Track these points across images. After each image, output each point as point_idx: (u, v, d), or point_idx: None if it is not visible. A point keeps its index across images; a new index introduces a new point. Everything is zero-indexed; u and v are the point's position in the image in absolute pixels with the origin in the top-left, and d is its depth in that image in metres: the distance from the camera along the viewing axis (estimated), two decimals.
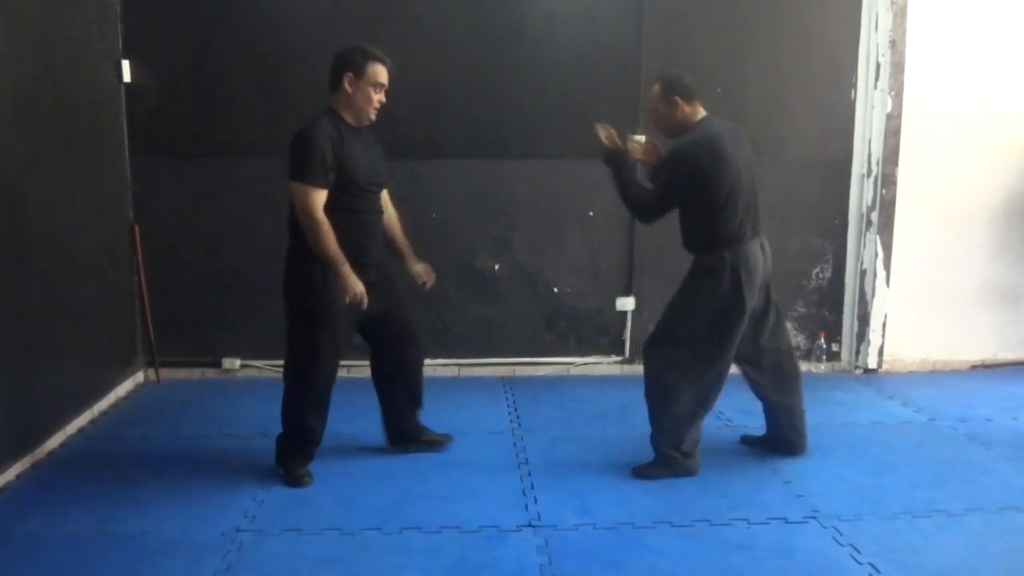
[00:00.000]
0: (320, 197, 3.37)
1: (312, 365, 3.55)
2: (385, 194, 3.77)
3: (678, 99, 3.55)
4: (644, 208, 3.64)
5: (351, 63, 3.46)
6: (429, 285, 3.90)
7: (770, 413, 3.95)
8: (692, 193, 3.50)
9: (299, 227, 3.44)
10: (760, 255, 3.59)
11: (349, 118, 3.51)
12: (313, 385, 3.59)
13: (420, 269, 3.88)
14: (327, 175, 3.38)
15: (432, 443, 3.98)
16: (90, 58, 4.52)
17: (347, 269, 3.39)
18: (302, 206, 3.37)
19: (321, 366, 3.56)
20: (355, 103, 3.48)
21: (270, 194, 4.99)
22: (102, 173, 4.66)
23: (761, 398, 3.93)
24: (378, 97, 3.51)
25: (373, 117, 3.55)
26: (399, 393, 3.91)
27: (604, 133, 3.66)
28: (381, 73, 3.49)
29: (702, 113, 3.60)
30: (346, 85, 3.46)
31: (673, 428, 3.64)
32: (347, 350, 5.17)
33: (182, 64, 4.90)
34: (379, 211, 3.66)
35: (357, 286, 3.41)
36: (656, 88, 3.62)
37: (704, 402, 3.65)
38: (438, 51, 4.95)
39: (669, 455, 3.66)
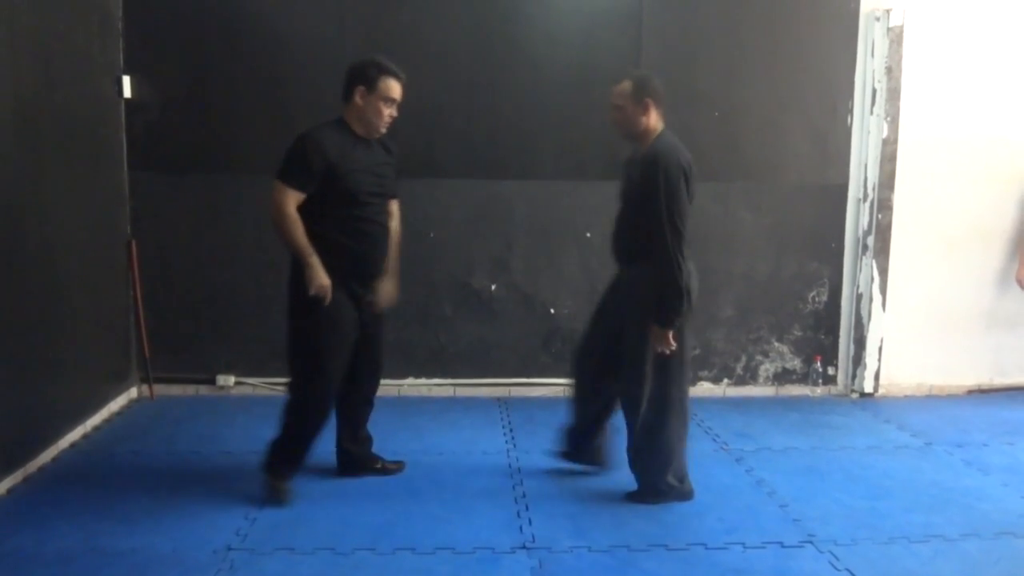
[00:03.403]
0: (293, 198, 3.39)
1: (318, 372, 3.53)
2: (394, 206, 3.76)
3: (650, 102, 3.46)
4: (673, 251, 3.33)
5: (363, 76, 3.47)
6: (376, 308, 3.68)
7: (583, 423, 3.88)
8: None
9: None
10: (695, 272, 3.53)
11: (359, 129, 3.52)
12: (317, 392, 3.56)
13: (387, 288, 3.71)
14: (306, 181, 3.39)
15: (385, 470, 3.92)
16: (91, 73, 4.53)
17: (314, 261, 3.39)
18: (274, 202, 3.40)
19: (327, 372, 3.54)
20: (365, 116, 3.50)
21: (268, 211, 5.01)
22: (100, 188, 4.66)
23: (586, 408, 3.85)
24: (389, 111, 3.51)
25: (383, 130, 3.56)
26: (355, 425, 3.89)
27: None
28: (394, 88, 3.49)
29: (663, 125, 3.52)
30: (357, 98, 3.48)
31: (662, 458, 3.60)
32: None
33: (182, 80, 4.92)
34: (380, 223, 3.61)
35: (321, 279, 3.40)
36: (627, 85, 3.48)
37: (683, 427, 3.61)
38: (438, 71, 4.97)
39: (662, 486, 3.62)
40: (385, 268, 3.71)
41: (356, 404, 3.85)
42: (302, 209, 3.42)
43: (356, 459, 3.90)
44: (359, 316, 3.58)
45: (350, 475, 3.88)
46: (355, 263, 3.51)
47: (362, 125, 3.52)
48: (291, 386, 3.62)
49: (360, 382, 3.78)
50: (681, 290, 3.37)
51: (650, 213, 3.36)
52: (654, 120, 3.49)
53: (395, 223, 3.77)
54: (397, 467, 3.96)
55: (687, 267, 3.41)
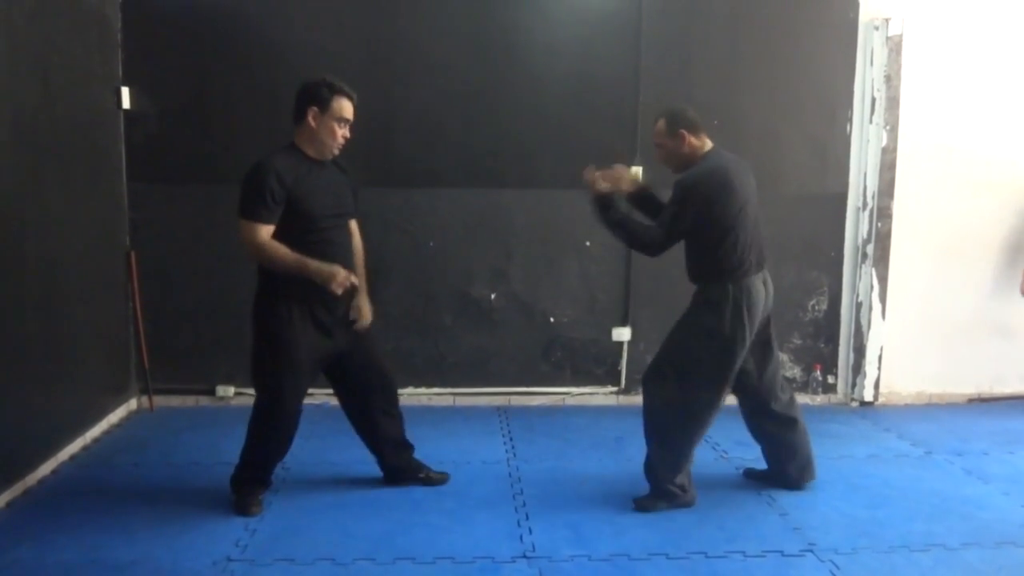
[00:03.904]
0: (264, 231, 3.36)
1: (276, 405, 3.52)
2: (353, 225, 3.75)
3: (684, 132, 3.56)
4: (650, 241, 3.58)
5: (316, 97, 3.43)
6: (357, 325, 3.64)
7: (769, 450, 3.93)
8: (699, 223, 3.49)
9: (262, 267, 3.46)
10: (762, 289, 3.59)
11: (311, 152, 3.48)
12: (276, 423, 3.56)
13: (362, 306, 3.67)
14: (273, 211, 3.36)
15: (429, 481, 3.91)
16: (90, 84, 4.54)
17: (314, 264, 3.34)
18: (247, 240, 3.38)
19: (284, 406, 3.52)
20: (318, 137, 3.46)
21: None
22: (99, 199, 4.66)
23: (759, 436, 3.91)
24: (342, 132, 3.48)
25: (336, 152, 3.52)
26: (382, 439, 3.85)
27: (594, 178, 3.65)
28: (346, 108, 3.46)
29: (709, 145, 3.62)
30: (310, 119, 3.43)
31: (672, 461, 3.63)
32: None
33: (181, 92, 4.93)
34: (343, 244, 3.59)
35: (334, 270, 3.34)
36: (661, 123, 3.63)
37: (698, 436, 3.64)
38: (438, 81, 4.99)
39: (669, 489, 3.64)
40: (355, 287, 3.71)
41: (375, 418, 3.79)
42: None
43: (397, 469, 3.89)
44: (334, 338, 3.54)
45: (395, 485, 3.87)
46: (317, 287, 3.40)
47: (315, 147, 3.48)
48: (254, 406, 3.62)
49: (370, 397, 3.76)
50: (648, 241, 3.57)
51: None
52: (695, 146, 3.59)
53: (357, 241, 3.76)
54: (441, 478, 3.94)
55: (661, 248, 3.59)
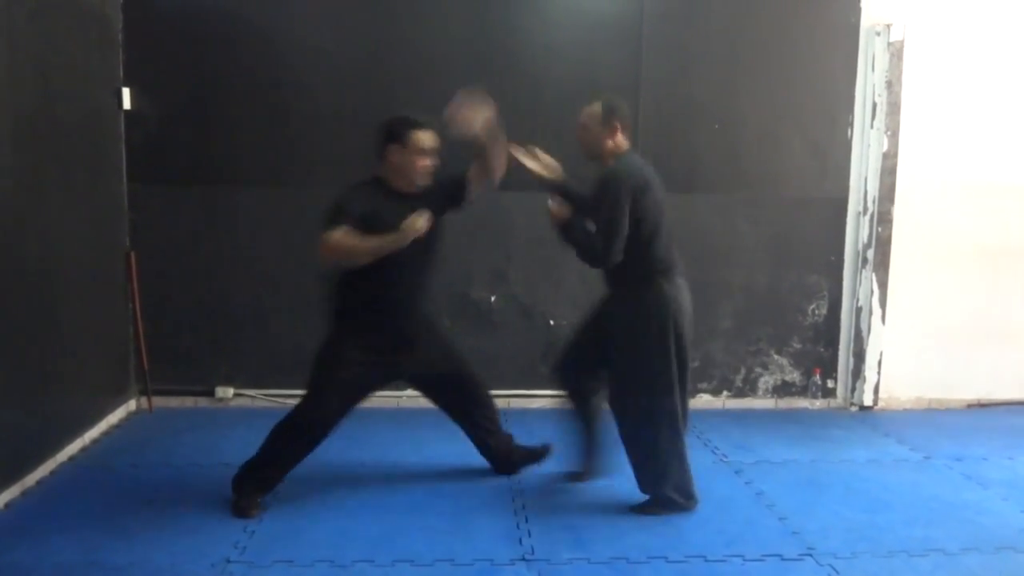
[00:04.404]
0: (338, 231, 3.33)
1: (308, 415, 3.58)
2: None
3: (618, 125, 3.56)
4: (592, 246, 3.54)
5: (395, 134, 3.52)
6: (493, 176, 3.70)
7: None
8: (633, 218, 3.46)
9: (333, 291, 3.61)
10: (686, 288, 3.60)
11: (398, 184, 3.56)
12: (301, 431, 3.60)
13: (493, 167, 3.69)
14: (347, 219, 3.37)
15: (538, 456, 4.08)
16: (90, 85, 4.54)
17: (388, 237, 3.33)
18: (329, 248, 3.35)
19: (316, 418, 3.58)
20: (402, 172, 3.54)
21: (267, 223, 5.01)
22: (99, 200, 4.66)
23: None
24: (424, 163, 3.54)
25: (423, 181, 3.58)
26: (482, 434, 4.02)
27: (530, 160, 3.70)
28: (425, 139, 3.53)
29: (627, 146, 3.62)
30: (392, 156, 3.52)
31: (661, 469, 3.60)
32: None
33: (182, 92, 4.92)
34: (416, 284, 3.69)
35: (403, 229, 3.32)
36: (597, 107, 3.57)
37: (678, 436, 3.60)
38: (438, 84, 4.96)
39: (669, 496, 3.62)
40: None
41: (470, 419, 4.02)
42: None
43: (502, 457, 4.06)
44: (393, 365, 3.69)
45: (506, 472, 4.07)
46: (379, 323, 3.58)
47: (401, 180, 3.56)
48: (296, 407, 3.65)
49: (459, 401, 4.00)
50: (593, 249, 3.53)
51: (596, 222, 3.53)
52: (619, 142, 3.59)
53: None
54: (542, 452, 4.10)
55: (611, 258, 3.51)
